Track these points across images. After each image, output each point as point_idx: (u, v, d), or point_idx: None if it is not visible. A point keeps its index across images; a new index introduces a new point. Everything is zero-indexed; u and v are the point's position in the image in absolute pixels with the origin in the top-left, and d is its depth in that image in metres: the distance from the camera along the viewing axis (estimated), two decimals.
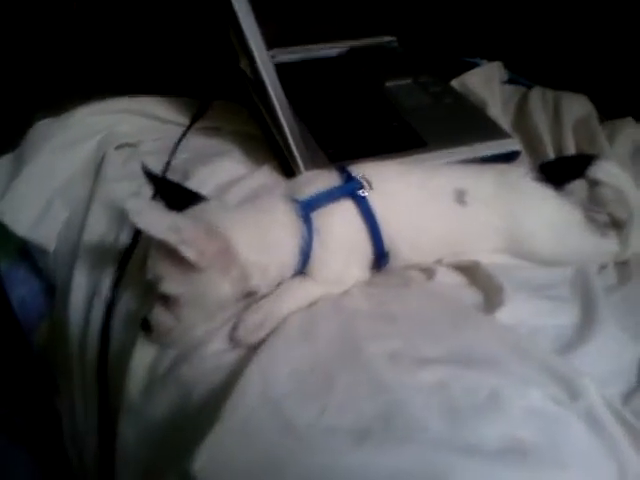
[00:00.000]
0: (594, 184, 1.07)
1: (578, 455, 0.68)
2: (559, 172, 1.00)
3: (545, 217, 0.98)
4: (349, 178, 0.91)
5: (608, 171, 0.98)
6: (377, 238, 0.91)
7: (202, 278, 0.79)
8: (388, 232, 0.91)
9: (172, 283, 0.79)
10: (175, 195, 0.90)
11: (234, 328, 0.82)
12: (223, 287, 0.82)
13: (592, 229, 1.00)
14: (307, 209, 0.88)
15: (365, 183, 0.90)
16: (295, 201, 0.88)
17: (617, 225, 1.03)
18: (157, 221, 0.76)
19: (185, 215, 0.83)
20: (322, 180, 0.93)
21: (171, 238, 0.74)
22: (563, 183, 0.99)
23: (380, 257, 0.93)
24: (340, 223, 0.90)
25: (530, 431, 0.69)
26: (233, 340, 0.81)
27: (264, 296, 0.86)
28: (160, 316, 0.82)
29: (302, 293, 0.87)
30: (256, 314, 0.83)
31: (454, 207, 0.94)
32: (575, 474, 0.67)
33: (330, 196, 0.90)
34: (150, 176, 0.96)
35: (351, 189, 0.90)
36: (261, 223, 0.86)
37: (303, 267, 0.88)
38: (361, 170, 0.93)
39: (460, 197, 0.94)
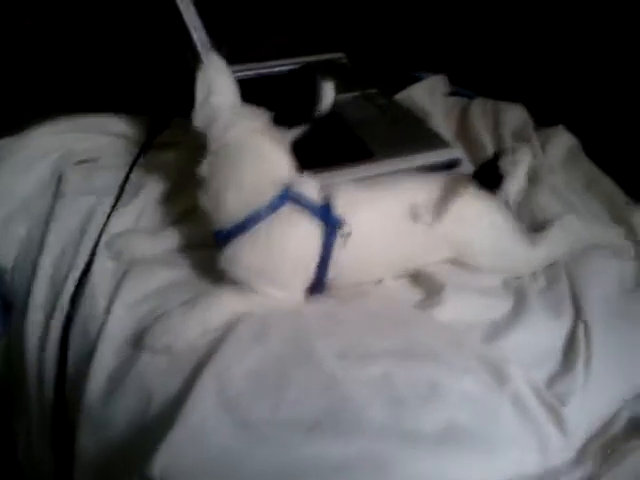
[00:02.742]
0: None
1: (505, 435, 0.76)
2: (489, 176, 1.04)
3: (485, 226, 1.03)
4: (329, 209, 0.93)
5: (512, 160, 1.02)
6: (324, 267, 0.93)
7: None
8: (339, 261, 0.93)
9: None
10: None
11: (143, 335, 0.85)
12: None
13: (523, 237, 1.05)
14: (287, 195, 0.90)
15: (343, 224, 0.92)
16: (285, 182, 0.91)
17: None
18: None
19: None
20: (314, 188, 0.95)
21: None
22: (496, 186, 1.04)
23: (317, 284, 0.95)
24: (299, 233, 0.92)
25: (465, 415, 0.76)
26: (139, 346, 0.85)
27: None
28: None
29: (218, 305, 0.89)
30: (162, 323, 0.86)
31: (406, 225, 0.97)
32: (503, 452, 0.75)
33: (311, 205, 0.91)
34: None
35: (331, 220, 0.92)
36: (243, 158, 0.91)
37: (246, 227, 0.90)
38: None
39: (412, 212, 0.97)
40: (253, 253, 0.90)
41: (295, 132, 0.94)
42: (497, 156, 1.04)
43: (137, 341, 0.85)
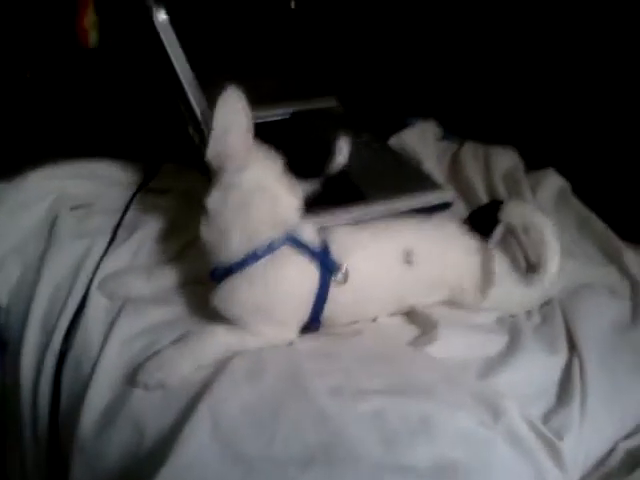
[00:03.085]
0: (510, 227, 1.15)
1: (502, 472, 0.75)
2: (482, 221, 1.07)
3: (479, 268, 1.04)
4: (327, 252, 0.94)
5: (514, 211, 1.05)
6: (319, 309, 0.94)
7: None
8: (334, 302, 0.94)
9: None
10: None
11: (136, 372, 0.85)
12: None
13: (519, 278, 1.06)
14: (287, 238, 0.91)
15: (342, 271, 0.93)
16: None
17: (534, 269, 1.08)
18: None
19: None
20: (313, 230, 0.96)
21: None
22: (488, 231, 1.07)
23: (312, 324, 0.96)
24: (296, 274, 0.92)
25: (459, 451, 0.75)
26: (132, 383, 0.85)
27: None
28: None
29: (211, 341, 0.89)
30: (154, 360, 0.86)
31: (401, 269, 0.98)
32: None
33: (309, 247, 0.92)
34: None
35: (328, 264, 0.92)
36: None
37: (244, 265, 0.90)
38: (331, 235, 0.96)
39: (407, 257, 0.98)
40: (249, 291, 0.90)
41: (309, 184, 0.97)
42: (496, 204, 1.07)
43: (130, 378, 0.85)
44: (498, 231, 1.11)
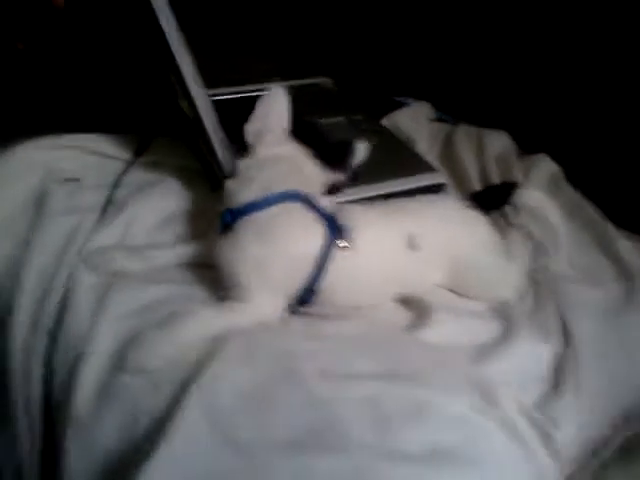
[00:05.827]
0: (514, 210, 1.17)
1: (496, 459, 0.76)
2: (487, 200, 1.07)
3: (478, 239, 1.05)
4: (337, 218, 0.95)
5: (533, 197, 1.05)
6: (318, 275, 0.92)
7: None
8: (335, 278, 0.93)
9: None
10: None
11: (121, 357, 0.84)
12: None
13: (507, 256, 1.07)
14: (301, 195, 0.94)
15: (347, 234, 0.94)
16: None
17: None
18: None
19: None
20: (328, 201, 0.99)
21: None
22: (490, 210, 1.07)
23: (307, 293, 0.94)
24: (304, 230, 0.93)
25: (454, 437, 0.76)
26: (118, 368, 0.84)
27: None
28: None
29: (195, 324, 0.88)
30: (137, 344, 0.85)
31: (405, 254, 0.98)
32: (493, 476, 0.74)
33: (321, 209, 0.94)
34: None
35: (335, 226, 0.93)
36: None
37: (254, 208, 0.92)
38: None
39: (411, 242, 0.98)
40: (254, 241, 0.90)
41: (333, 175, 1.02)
42: (510, 187, 1.09)
43: (118, 362, 0.84)
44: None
